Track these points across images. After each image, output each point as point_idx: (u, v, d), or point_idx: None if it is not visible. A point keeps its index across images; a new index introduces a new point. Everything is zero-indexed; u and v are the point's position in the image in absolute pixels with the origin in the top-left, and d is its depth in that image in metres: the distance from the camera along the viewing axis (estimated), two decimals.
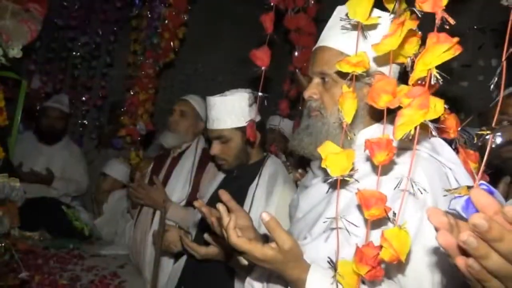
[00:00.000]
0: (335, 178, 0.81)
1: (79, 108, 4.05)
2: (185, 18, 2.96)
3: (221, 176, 1.94)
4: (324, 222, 0.97)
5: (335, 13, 1.08)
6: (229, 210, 1.05)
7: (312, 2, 1.98)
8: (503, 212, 0.41)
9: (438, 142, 0.93)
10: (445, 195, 0.61)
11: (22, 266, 1.77)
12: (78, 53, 3.94)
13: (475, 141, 0.62)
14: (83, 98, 3.98)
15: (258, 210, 1.61)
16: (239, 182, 1.75)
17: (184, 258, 1.83)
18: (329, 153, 0.82)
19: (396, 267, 0.86)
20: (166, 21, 2.89)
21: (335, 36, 1.03)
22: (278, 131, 2.65)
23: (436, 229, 0.46)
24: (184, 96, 2.49)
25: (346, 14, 0.88)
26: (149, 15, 3.19)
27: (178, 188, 2.24)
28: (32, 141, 3.30)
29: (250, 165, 1.77)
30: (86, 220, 2.98)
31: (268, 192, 1.65)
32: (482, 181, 0.54)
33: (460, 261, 0.44)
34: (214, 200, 1.48)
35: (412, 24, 0.76)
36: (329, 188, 1.03)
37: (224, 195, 1.08)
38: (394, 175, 0.88)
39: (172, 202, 2.12)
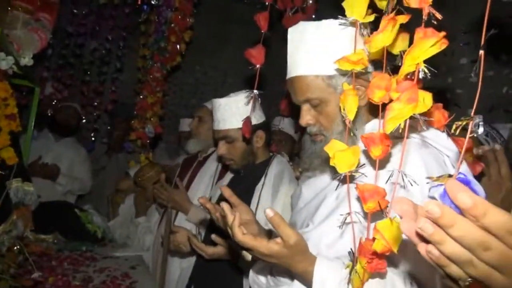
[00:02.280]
0: (343, 175, 0.82)
1: (91, 113, 4.13)
2: (191, 22, 3.00)
3: (229, 176, 1.97)
4: (339, 216, 0.98)
5: (289, 37, 1.08)
6: (232, 205, 1.08)
7: (310, 1, 2.00)
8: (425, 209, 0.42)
9: (434, 131, 0.94)
10: (427, 183, 0.62)
11: (36, 267, 1.82)
12: (88, 59, 4.03)
13: (453, 131, 0.63)
14: (95, 103, 4.06)
15: (265, 208, 1.63)
16: (246, 182, 1.78)
17: (194, 258, 1.86)
18: (336, 151, 0.84)
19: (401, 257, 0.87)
20: (173, 25, 2.94)
21: (302, 63, 1.04)
22: (279, 131, 2.66)
23: (400, 218, 0.48)
24: (205, 103, 2.53)
25: (344, 14, 0.90)
26: (157, 20, 3.25)
27: (200, 191, 2.27)
28: (41, 139, 3.43)
29: (256, 165, 1.80)
30: (99, 223, 3.03)
31: (274, 191, 1.67)
32: (460, 171, 0.55)
33: (421, 248, 0.45)
34: (223, 199, 1.51)
35: (403, 19, 0.77)
36: (338, 184, 1.04)
37: (226, 191, 1.11)
38: (392, 167, 0.89)
39: (193, 205, 2.14)
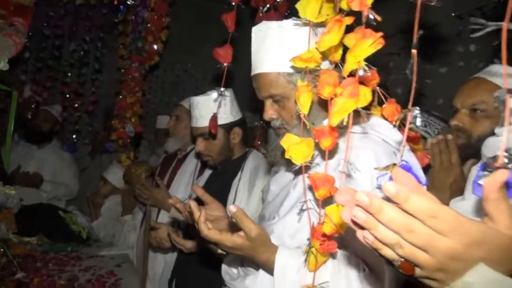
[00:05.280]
0: (298, 166, 0.89)
1: (71, 115, 4.13)
2: (167, 21, 3.03)
3: (208, 173, 2.03)
4: (297, 204, 1.05)
5: (253, 36, 1.13)
6: (205, 203, 1.14)
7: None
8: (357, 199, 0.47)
9: (387, 127, 1.01)
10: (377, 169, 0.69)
11: (20, 269, 1.86)
12: (67, 61, 4.02)
13: (394, 124, 0.70)
14: (75, 105, 4.05)
15: (241, 202, 1.70)
16: (223, 178, 1.84)
17: (176, 253, 1.92)
18: (291, 144, 0.90)
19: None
20: (149, 25, 2.96)
21: (265, 61, 1.09)
22: (261, 127, 2.72)
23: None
24: (182, 101, 2.56)
25: (290, 16, 0.96)
26: (134, 20, 3.26)
27: (181, 188, 2.31)
28: (24, 146, 3.43)
29: (233, 160, 1.86)
30: (84, 224, 3.06)
31: (250, 185, 1.73)
32: (402, 159, 0.61)
33: (359, 234, 0.50)
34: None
35: (349, 20, 0.84)
36: (294, 175, 1.11)
37: (198, 190, 1.16)
38: (349, 158, 0.95)
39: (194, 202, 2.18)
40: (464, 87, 1.39)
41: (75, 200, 3.63)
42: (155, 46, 2.98)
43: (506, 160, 0.46)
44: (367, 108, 1.12)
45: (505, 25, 0.48)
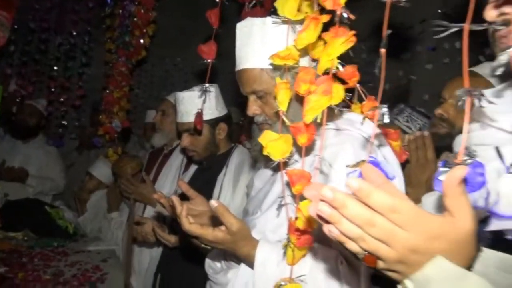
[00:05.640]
0: (277, 162, 0.90)
1: (58, 109, 4.09)
2: (154, 15, 3.01)
3: (194, 168, 2.04)
4: (278, 199, 1.06)
5: (237, 32, 1.14)
6: (189, 198, 1.15)
7: None
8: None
9: (366, 124, 1.02)
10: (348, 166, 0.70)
11: (5, 264, 1.85)
12: (53, 55, 3.97)
13: (362, 121, 0.72)
14: (61, 99, 4.01)
15: (226, 197, 1.71)
16: (208, 173, 1.85)
17: (161, 247, 1.93)
18: (269, 141, 0.91)
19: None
20: (136, 19, 2.95)
21: (249, 57, 1.10)
22: (248, 122, 2.73)
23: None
24: (167, 96, 2.56)
25: (275, 12, 0.97)
26: (121, 14, 3.23)
27: (167, 183, 2.31)
28: (9, 141, 3.39)
29: (218, 156, 1.87)
30: (70, 219, 3.05)
31: (235, 180, 1.74)
32: (371, 155, 0.63)
33: (325, 228, 0.52)
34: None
35: (325, 18, 0.85)
36: (273, 171, 1.13)
37: (183, 185, 1.17)
38: (327, 155, 0.97)
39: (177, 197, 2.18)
40: (456, 79, 1.42)
41: (62, 195, 3.61)
42: (142, 41, 2.96)
43: (466, 157, 0.48)
44: (348, 105, 1.14)
45: (466, 26, 0.50)
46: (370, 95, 0.96)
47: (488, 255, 0.49)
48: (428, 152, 1.19)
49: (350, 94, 1.00)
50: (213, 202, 0.92)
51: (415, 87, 3.60)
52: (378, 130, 1.00)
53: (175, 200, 1.01)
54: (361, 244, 0.50)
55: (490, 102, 0.47)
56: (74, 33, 3.88)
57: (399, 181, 0.93)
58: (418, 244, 0.48)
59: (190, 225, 0.95)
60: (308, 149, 0.90)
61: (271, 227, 1.04)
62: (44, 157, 3.47)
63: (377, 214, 0.48)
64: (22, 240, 2.66)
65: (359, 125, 1.01)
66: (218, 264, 1.15)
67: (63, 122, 4.07)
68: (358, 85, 0.94)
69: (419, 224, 0.47)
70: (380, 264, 0.51)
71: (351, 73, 0.89)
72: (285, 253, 0.88)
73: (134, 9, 2.96)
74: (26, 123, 3.37)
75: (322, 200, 0.48)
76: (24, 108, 3.37)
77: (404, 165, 1.12)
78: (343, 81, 0.94)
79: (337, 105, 0.81)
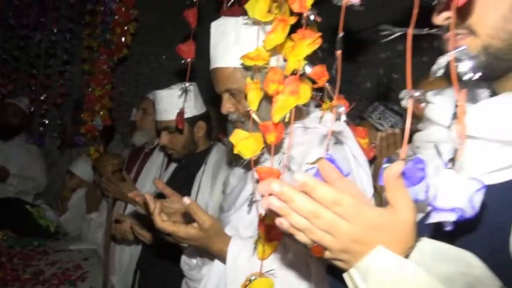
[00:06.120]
0: (248, 160, 0.93)
1: (39, 107, 4.04)
2: (135, 13, 3.00)
3: (173, 166, 2.05)
4: (250, 196, 1.09)
5: (212, 31, 1.16)
6: (166, 196, 1.17)
7: None
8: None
9: (338, 123, 1.05)
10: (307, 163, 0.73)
11: None
12: (34, 52, 3.92)
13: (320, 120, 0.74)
14: (42, 98, 3.96)
15: (204, 195, 1.73)
16: (187, 170, 1.86)
17: (141, 245, 1.94)
18: (239, 140, 0.94)
19: None
20: (117, 17, 2.93)
21: (222, 55, 1.12)
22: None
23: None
24: (148, 94, 2.55)
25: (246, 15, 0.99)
26: (103, 11, 3.21)
27: (148, 182, 2.31)
28: None
29: (197, 153, 1.88)
30: (52, 218, 3.03)
31: (213, 178, 1.76)
32: (327, 153, 0.66)
33: (277, 221, 0.54)
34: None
35: (293, 20, 0.87)
36: (245, 169, 1.15)
37: (159, 184, 1.19)
38: (296, 152, 1.00)
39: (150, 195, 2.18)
40: (427, 78, 1.46)
41: (43, 194, 3.58)
42: (123, 39, 2.95)
43: (410, 153, 0.51)
44: (319, 104, 1.17)
45: (410, 31, 0.53)
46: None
47: (426, 244, 0.52)
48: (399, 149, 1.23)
49: (321, 94, 1.03)
50: (185, 200, 0.94)
51: (396, 86, 3.66)
52: (339, 128, 1.03)
53: (148, 198, 1.03)
54: (308, 235, 0.53)
55: (429, 102, 0.50)
56: (55, 30, 3.83)
57: (359, 177, 0.96)
58: (359, 235, 0.51)
59: (162, 222, 0.97)
60: (277, 147, 0.92)
61: (244, 223, 1.06)
62: (25, 156, 3.43)
63: (321, 207, 0.51)
64: (2, 240, 2.63)
65: (328, 123, 1.04)
66: (193, 261, 1.17)
67: (45, 120, 4.02)
68: (327, 84, 0.97)
69: (360, 216, 0.50)
70: (327, 254, 0.54)
71: (320, 73, 0.91)
72: (255, 248, 0.91)
73: (115, 7, 2.94)
74: (9, 123, 3.33)
75: (271, 194, 0.51)
76: (6, 107, 3.31)
77: (372, 161, 1.15)
78: (313, 81, 0.97)
79: (308, 104, 0.84)
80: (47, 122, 4.08)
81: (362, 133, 1.05)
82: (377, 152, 1.23)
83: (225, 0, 2.13)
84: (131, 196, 1.16)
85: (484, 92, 0.66)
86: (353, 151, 1.02)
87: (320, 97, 1.03)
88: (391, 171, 0.48)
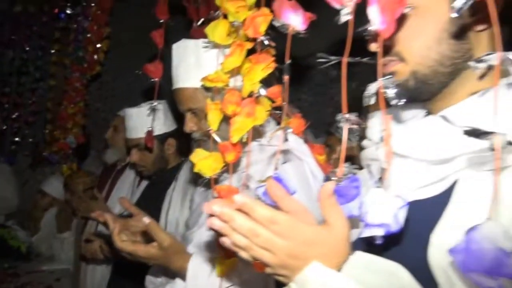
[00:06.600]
0: (208, 178, 0.96)
1: (11, 126, 3.97)
2: (108, 31, 3.02)
3: (145, 183, 2.05)
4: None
5: (173, 52, 1.19)
6: (133, 215, 1.18)
7: (216, 13, 2.10)
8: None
9: (295, 141, 1.09)
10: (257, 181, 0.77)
11: None
12: (6, 70, 3.87)
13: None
14: (13, 116, 3.90)
15: (175, 212, 1.74)
16: (158, 187, 1.87)
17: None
18: (199, 159, 0.97)
19: None
20: (89, 35, 2.94)
21: (183, 76, 1.16)
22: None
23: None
24: (119, 112, 2.55)
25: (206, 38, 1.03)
26: (75, 29, 3.21)
27: None
28: None
29: (168, 170, 1.89)
30: (23, 238, 2.97)
31: (183, 194, 1.77)
32: (276, 171, 0.69)
33: (220, 240, 0.58)
34: (138, 206, 1.59)
35: (250, 45, 0.92)
36: (205, 188, 1.18)
37: (125, 203, 1.20)
38: (253, 171, 1.03)
39: (112, 214, 2.16)
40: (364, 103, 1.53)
41: (15, 214, 3.49)
42: (96, 56, 2.96)
43: (347, 171, 0.56)
44: (279, 122, 1.21)
45: (344, 60, 0.57)
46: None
47: (358, 257, 0.56)
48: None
49: (280, 112, 1.07)
50: (144, 219, 0.96)
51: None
52: (297, 145, 1.07)
53: (108, 217, 1.04)
54: (249, 252, 0.56)
55: (360, 124, 0.55)
56: (27, 48, 3.80)
57: (305, 194, 1.00)
58: (295, 251, 0.54)
59: (121, 242, 0.99)
60: (236, 166, 0.96)
61: (206, 241, 1.08)
62: None
63: (259, 226, 0.54)
64: None
65: (287, 141, 1.08)
66: (158, 279, 1.18)
67: (16, 139, 3.95)
68: (284, 103, 1.01)
69: (296, 233, 0.54)
70: (268, 270, 0.58)
71: (277, 93, 0.96)
72: (215, 265, 0.93)
73: (88, 25, 2.96)
74: None
75: (212, 215, 0.54)
76: None
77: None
78: (271, 100, 1.01)
79: (268, 121, 0.88)
80: (19, 140, 4.00)
81: (319, 149, 1.10)
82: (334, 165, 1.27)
83: (195, 20, 2.19)
84: (94, 216, 1.17)
85: (421, 113, 0.71)
86: (311, 168, 1.06)
87: (279, 115, 1.08)
88: (324, 189, 0.52)
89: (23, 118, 3.97)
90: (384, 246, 0.53)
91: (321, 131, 2.69)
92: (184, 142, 2.16)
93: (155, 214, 1.69)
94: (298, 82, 3.92)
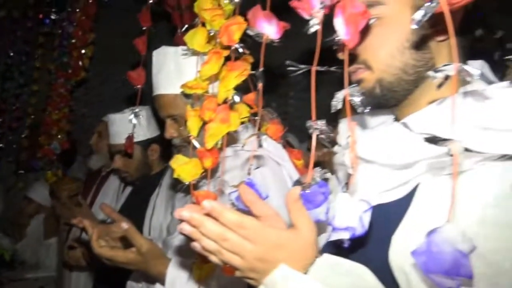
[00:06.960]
0: (187, 184, 0.96)
1: None
2: (92, 37, 3.01)
3: (129, 189, 2.05)
4: None
5: (153, 59, 1.21)
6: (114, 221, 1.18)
7: (195, 21, 2.10)
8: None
9: (273, 145, 1.11)
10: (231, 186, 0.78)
11: None
12: None
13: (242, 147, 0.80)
14: None
15: (159, 218, 1.74)
16: (142, 193, 1.87)
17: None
18: (179, 165, 0.97)
19: None
20: (74, 41, 2.93)
21: (163, 83, 1.17)
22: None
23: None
24: (103, 117, 2.54)
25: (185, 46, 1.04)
26: (60, 34, 3.19)
27: None
28: None
29: (151, 176, 1.90)
30: (7, 246, 2.93)
31: (167, 200, 1.77)
32: (249, 177, 0.70)
33: (191, 244, 0.59)
34: (122, 212, 1.59)
35: (226, 53, 0.93)
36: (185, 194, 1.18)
37: (106, 209, 1.20)
38: (229, 176, 1.03)
39: (97, 221, 2.15)
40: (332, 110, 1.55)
41: None
42: (80, 62, 2.94)
43: (316, 176, 0.57)
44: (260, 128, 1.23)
45: (313, 69, 0.59)
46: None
47: (324, 259, 0.57)
48: None
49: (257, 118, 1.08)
50: (123, 225, 0.97)
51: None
52: (258, 153, 1.08)
53: (87, 224, 1.05)
54: (219, 256, 0.57)
55: (330, 133, 0.56)
56: (11, 53, 3.76)
57: (282, 198, 1.01)
58: (263, 254, 0.56)
59: (100, 248, 0.99)
60: (214, 172, 0.97)
61: (185, 247, 1.09)
62: None
63: (228, 230, 0.55)
64: None
65: (266, 146, 1.09)
66: (140, 285, 1.18)
67: (0, 145, 3.90)
68: (262, 109, 1.03)
69: (263, 237, 0.55)
70: (237, 273, 0.59)
71: (254, 99, 0.97)
72: (193, 270, 0.94)
73: (73, 30, 2.94)
74: None
75: (182, 220, 0.55)
76: None
77: None
78: (249, 105, 1.03)
79: (247, 127, 0.89)
80: (2, 146, 3.95)
81: (297, 154, 1.12)
82: None
83: (179, 27, 2.20)
84: (75, 222, 1.16)
85: (390, 118, 0.73)
86: (289, 172, 1.08)
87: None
88: (290, 194, 0.53)
89: (7, 123, 3.92)
90: (351, 249, 0.55)
91: (306, 136, 2.72)
92: (168, 148, 2.17)
93: (139, 220, 1.69)
94: (285, 87, 3.95)
